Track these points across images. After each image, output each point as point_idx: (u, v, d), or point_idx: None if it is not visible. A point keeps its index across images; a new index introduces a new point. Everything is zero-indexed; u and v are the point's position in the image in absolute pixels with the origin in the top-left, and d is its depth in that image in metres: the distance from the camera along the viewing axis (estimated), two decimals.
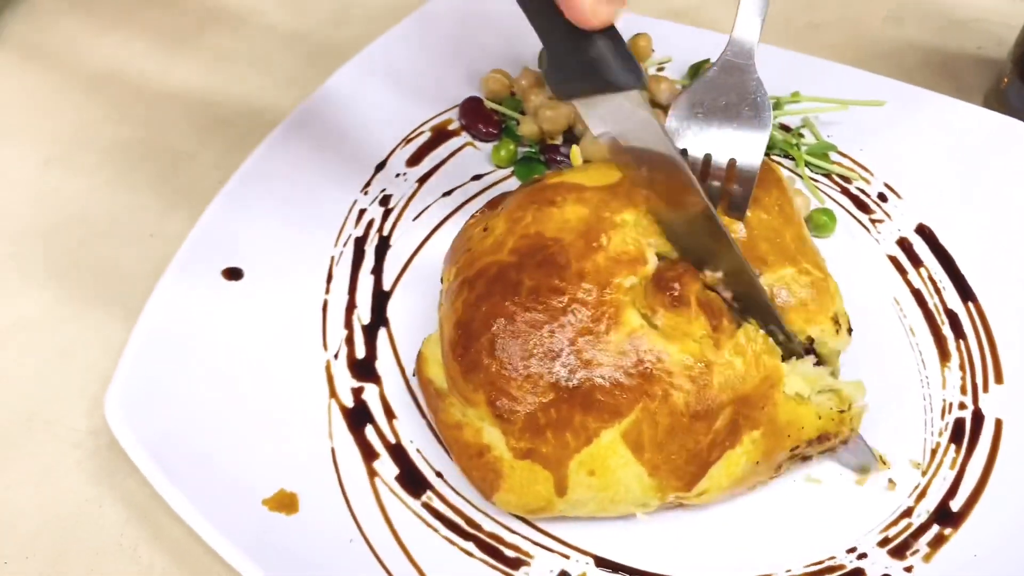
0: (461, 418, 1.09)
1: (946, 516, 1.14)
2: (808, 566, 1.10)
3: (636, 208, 1.12)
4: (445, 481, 1.15)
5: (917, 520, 1.14)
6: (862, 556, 1.11)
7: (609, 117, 1.06)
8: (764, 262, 1.12)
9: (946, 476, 1.18)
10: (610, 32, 0.98)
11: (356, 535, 1.08)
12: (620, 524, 1.11)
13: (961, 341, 1.32)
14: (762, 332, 1.09)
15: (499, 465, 1.06)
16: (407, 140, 1.55)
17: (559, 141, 1.53)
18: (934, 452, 1.21)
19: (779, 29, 1.88)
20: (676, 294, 1.06)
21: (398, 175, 1.50)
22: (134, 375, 1.15)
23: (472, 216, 1.26)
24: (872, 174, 1.54)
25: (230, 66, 1.80)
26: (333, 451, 1.16)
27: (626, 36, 1.65)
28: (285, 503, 1.09)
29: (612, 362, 1.04)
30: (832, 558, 1.11)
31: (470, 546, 1.10)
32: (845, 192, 1.52)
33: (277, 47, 1.85)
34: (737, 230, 1.14)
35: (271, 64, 1.80)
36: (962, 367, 1.29)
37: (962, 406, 1.25)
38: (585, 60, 0.99)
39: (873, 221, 1.48)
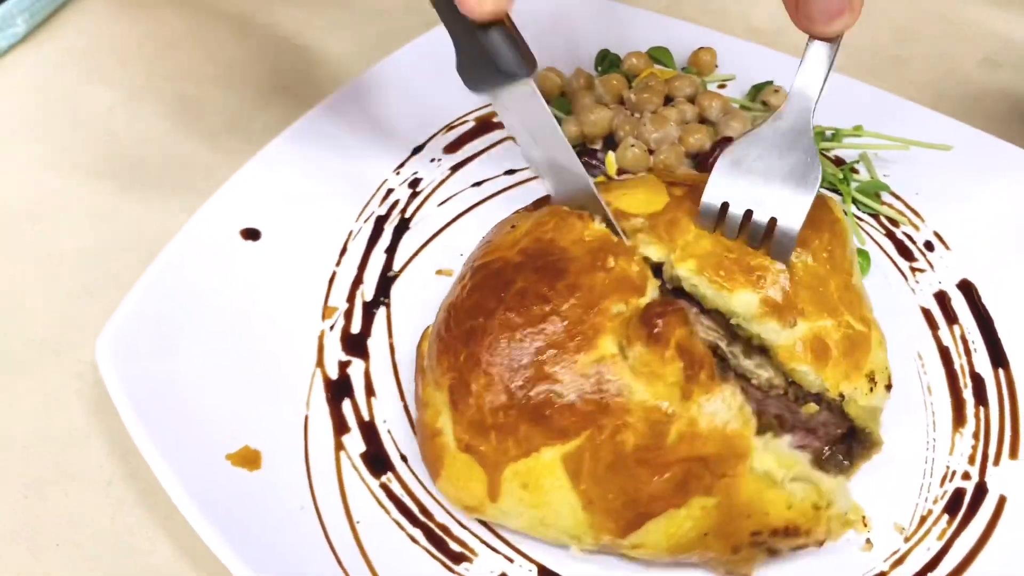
0: (429, 398, 1.11)
1: None
2: None
3: (665, 244, 1.11)
4: (408, 466, 1.15)
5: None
6: None
7: (512, 107, 1.16)
8: (801, 312, 1.07)
9: (931, 547, 1.11)
10: (503, 24, 1.08)
11: (308, 503, 1.09)
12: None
13: (982, 408, 1.24)
14: (740, 398, 1.02)
15: (443, 452, 1.07)
16: (449, 127, 1.56)
17: (598, 146, 1.51)
18: (923, 519, 1.14)
19: (862, 59, 1.80)
20: (656, 331, 1.01)
21: (433, 160, 1.51)
22: (132, 318, 1.19)
23: (515, 211, 1.27)
24: (924, 220, 1.46)
25: (303, 36, 1.84)
26: (307, 419, 1.18)
27: (691, 48, 1.62)
28: (248, 459, 1.11)
29: (573, 383, 1.01)
30: None
31: (417, 533, 1.09)
32: (890, 235, 1.45)
33: (351, 23, 1.88)
34: (778, 277, 1.08)
35: (343, 39, 1.84)
36: (976, 435, 1.21)
37: (966, 476, 1.17)
38: (480, 51, 1.10)
39: (913, 269, 1.40)
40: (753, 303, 1.07)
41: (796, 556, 1.09)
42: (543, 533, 1.05)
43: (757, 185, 1.10)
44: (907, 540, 1.12)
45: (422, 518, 1.11)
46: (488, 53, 1.09)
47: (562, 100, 1.58)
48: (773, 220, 1.08)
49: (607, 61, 1.63)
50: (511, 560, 1.08)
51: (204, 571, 1.09)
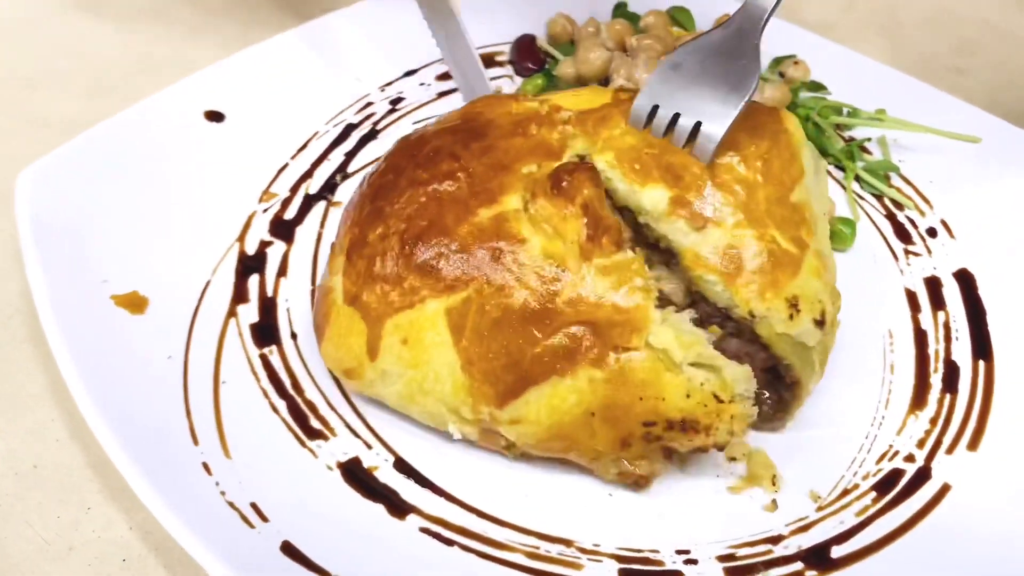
0: (330, 266, 1.07)
1: (818, 559, 0.93)
2: (622, 548, 0.93)
3: (589, 137, 1.04)
4: (296, 344, 1.10)
5: (780, 551, 0.94)
6: (691, 562, 0.92)
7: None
8: (715, 216, 0.97)
9: (844, 520, 0.97)
10: None
11: (179, 355, 1.05)
12: (438, 440, 1.00)
13: (948, 395, 1.09)
14: (645, 270, 0.94)
15: (331, 308, 1.01)
16: None
17: None
18: (846, 492, 1.00)
19: (920, 68, 1.67)
20: (563, 185, 0.95)
21: (422, 84, 1.48)
22: (63, 161, 1.18)
23: None
24: (932, 208, 1.32)
25: None
26: (208, 283, 1.13)
27: (715, 15, 1.54)
28: (133, 302, 1.08)
29: (467, 235, 0.95)
30: (655, 551, 0.93)
31: (281, 404, 1.03)
32: (890, 217, 1.31)
33: None
34: (696, 177, 0.99)
35: None
36: (933, 421, 1.07)
37: (909, 458, 1.03)
38: None
39: (907, 252, 1.26)
40: (663, 200, 0.98)
41: (689, 500, 0.97)
42: (421, 405, 0.97)
43: (690, 89, 1.02)
44: (819, 509, 0.98)
45: (291, 391, 1.04)
46: None
47: (569, 46, 1.52)
48: (698, 124, 1.00)
49: (621, 13, 1.57)
50: (369, 446, 1.00)
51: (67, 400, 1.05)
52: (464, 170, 1.00)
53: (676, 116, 1.02)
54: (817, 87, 1.46)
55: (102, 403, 0.95)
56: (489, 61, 1.53)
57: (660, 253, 1.01)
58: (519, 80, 1.50)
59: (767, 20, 1.03)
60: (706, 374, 0.91)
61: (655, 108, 1.03)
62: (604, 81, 1.43)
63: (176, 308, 1.09)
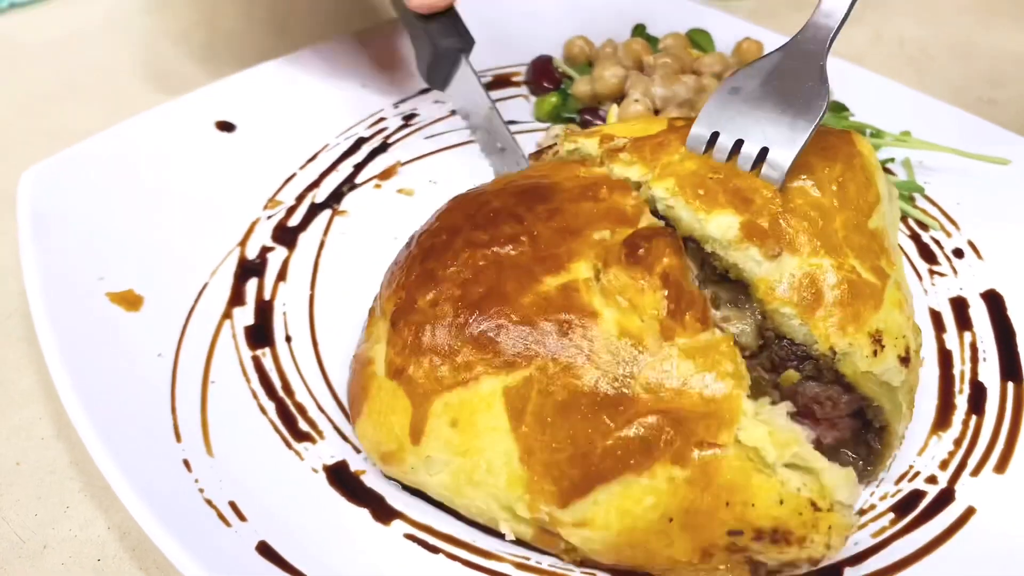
0: (371, 330, 0.97)
1: None
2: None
3: (647, 164, 0.96)
4: (290, 347, 1.06)
5: (790, 570, 0.87)
6: None
7: (457, 93, 1.35)
8: (790, 244, 0.87)
9: (859, 541, 0.90)
10: (448, 13, 1.26)
11: (169, 352, 1.02)
12: None
13: (974, 416, 1.02)
14: (736, 353, 0.82)
15: (370, 382, 0.91)
16: None
17: (607, 106, 1.42)
18: (861, 512, 0.93)
19: (947, 96, 1.63)
20: (640, 252, 0.85)
21: (437, 101, 1.46)
22: (69, 162, 1.18)
23: None
24: (958, 228, 1.27)
25: None
26: (205, 285, 1.11)
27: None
28: (128, 300, 1.06)
29: (530, 306, 0.84)
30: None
31: (270, 405, 1.00)
32: (914, 237, 1.26)
33: None
34: (766, 200, 0.90)
35: None
36: (958, 443, 1.00)
37: (931, 480, 0.96)
38: (425, 39, 1.26)
39: (932, 272, 1.21)
40: (732, 227, 0.88)
41: None
42: (470, 498, 0.85)
43: (752, 114, 0.94)
44: None
45: (281, 393, 1.01)
46: (429, 38, 1.25)
47: (586, 67, 1.51)
48: (765, 150, 0.92)
49: (639, 35, 1.55)
50: (358, 451, 0.96)
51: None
52: (528, 233, 0.89)
53: (739, 143, 0.94)
54: (839, 108, 1.42)
55: (83, 391, 0.93)
56: (505, 81, 1.52)
57: (728, 289, 0.91)
58: (533, 99, 1.48)
59: (833, 39, 0.97)
60: (803, 478, 0.79)
61: (715, 135, 0.95)
62: (619, 99, 1.41)
63: (171, 308, 1.07)
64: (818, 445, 0.93)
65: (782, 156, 0.91)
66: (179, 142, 1.27)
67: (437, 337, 0.87)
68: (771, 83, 0.97)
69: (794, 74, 0.97)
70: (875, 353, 0.86)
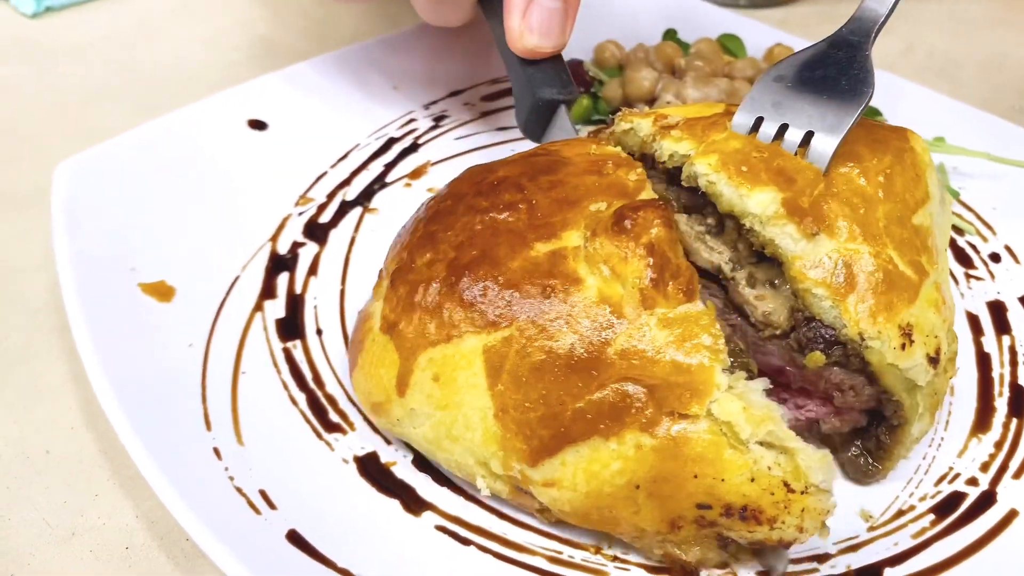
0: (375, 291, 0.98)
1: None
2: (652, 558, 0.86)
3: (696, 140, 0.94)
4: (320, 340, 1.06)
5: (827, 569, 0.86)
6: (729, 573, 0.85)
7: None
8: (829, 225, 0.86)
9: (899, 542, 0.88)
10: (553, 60, 1.17)
11: (200, 343, 1.02)
12: None
13: (1015, 419, 1.01)
14: (716, 327, 0.81)
15: (367, 335, 0.93)
16: (495, 80, 1.52)
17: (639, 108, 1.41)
18: (900, 513, 0.91)
19: (979, 105, 1.61)
20: (626, 222, 0.85)
21: (467, 104, 1.47)
22: (104, 157, 1.19)
23: None
24: (995, 233, 1.25)
25: None
26: (236, 279, 1.11)
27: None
28: (160, 291, 1.06)
29: (518, 270, 0.85)
30: (688, 563, 0.85)
31: (301, 397, 0.99)
32: (950, 242, 1.24)
33: None
34: (809, 180, 0.89)
35: None
36: (998, 445, 0.98)
37: (972, 482, 0.94)
38: (527, 86, 1.16)
39: (968, 276, 1.19)
40: (772, 203, 0.86)
41: None
42: (448, 452, 0.87)
43: (796, 101, 0.93)
44: (871, 530, 0.89)
45: (312, 385, 1.01)
46: (529, 85, 1.15)
47: (616, 71, 1.50)
48: (809, 135, 0.91)
49: (670, 39, 1.55)
50: (388, 442, 0.95)
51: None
52: (527, 201, 0.90)
53: (783, 127, 0.93)
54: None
55: (114, 379, 0.93)
56: None
57: (764, 269, 0.90)
58: None
59: (879, 31, 0.97)
60: (777, 457, 0.78)
61: (759, 120, 0.94)
62: (650, 102, 1.41)
63: (202, 299, 1.07)
64: (828, 434, 0.94)
65: (826, 141, 0.90)
66: (212, 139, 1.28)
67: (428, 295, 0.88)
68: (816, 71, 0.96)
69: (839, 64, 0.96)
70: (903, 347, 0.85)
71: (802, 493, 0.78)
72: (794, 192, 0.87)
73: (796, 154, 0.91)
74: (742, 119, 0.94)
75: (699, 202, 0.94)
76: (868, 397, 0.88)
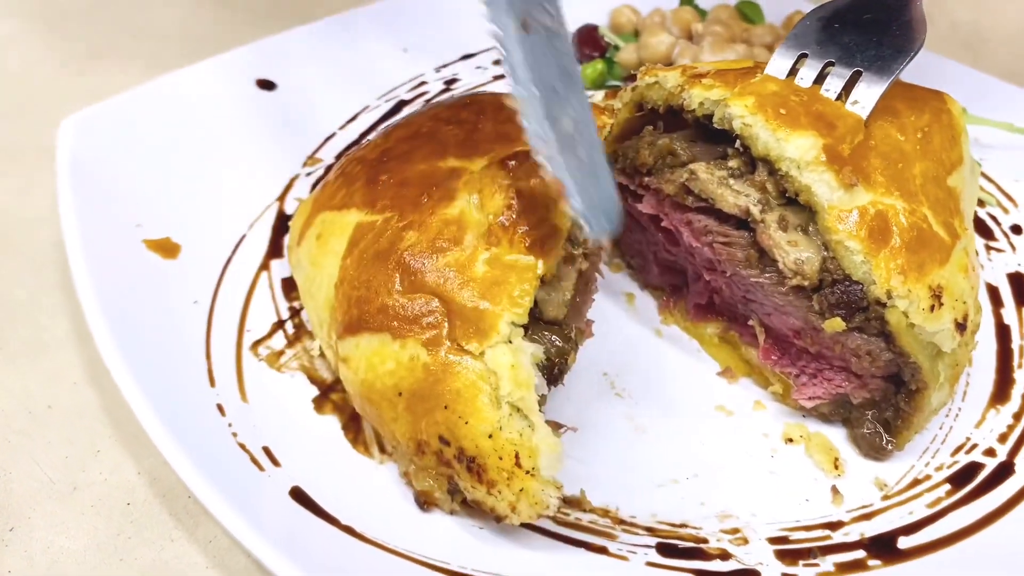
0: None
1: (884, 549, 0.83)
2: (662, 522, 0.85)
3: (729, 87, 0.91)
4: None
5: (840, 537, 0.84)
6: (739, 541, 0.83)
7: None
8: (867, 177, 0.84)
9: (914, 511, 0.87)
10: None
11: (205, 300, 1.01)
12: None
13: None
14: (534, 288, 0.81)
15: (306, 200, 1.06)
16: None
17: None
18: (916, 482, 0.89)
19: (1002, 76, 1.58)
20: (510, 164, 0.87)
21: (479, 67, 1.44)
22: (110, 113, 1.16)
23: None
24: (1016, 205, 1.23)
25: None
26: (243, 237, 1.10)
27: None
28: (166, 248, 1.05)
29: (419, 172, 0.91)
30: (698, 528, 0.84)
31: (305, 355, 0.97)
32: None
33: None
34: (850, 127, 0.86)
35: None
36: (1017, 416, 0.96)
37: (990, 452, 0.92)
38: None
39: (989, 248, 1.17)
40: (813, 148, 0.84)
41: (740, 480, 0.89)
42: (309, 306, 0.94)
43: (842, 41, 0.90)
44: (886, 498, 0.88)
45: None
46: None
47: (631, 36, 1.48)
48: (857, 73, 0.88)
49: (688, 4, 1.52)
50: None
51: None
52: (474, 124, 0.94)
53: (827, 66, 0.90)
54: None
55: (118, 333, 0.91)
56: None
57: (797, 213, 0.86)
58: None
59: None
60: (522, 428, 0.77)
61: (800, 59, 0.91)
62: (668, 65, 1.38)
63: (208, 257, 1.06)
64: (844, 404, 0.92)
65: (872, 86, 0.88)
66: (220, 98, 1.26)
67: (352, 169, 0.97)
68: (865, 14, 0.93)
69: (888, 8, 0.93)
70: (932, 308, 0.82)
71: (527, 473, 0.76)
72: (834, 139, 0.84)
73: (837, 99, 0.88)
74: (782, 58, 0.92)
75: (721, 154, 0.91)
76: (885, 363, 0.86)
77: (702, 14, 1.49)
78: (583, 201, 0.73)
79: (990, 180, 1.27)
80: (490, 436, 0.77)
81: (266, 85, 1.31)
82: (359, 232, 0.89)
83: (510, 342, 0.78)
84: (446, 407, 0.78)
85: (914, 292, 0.81)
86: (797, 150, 0.84)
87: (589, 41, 1.47)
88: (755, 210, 0.87)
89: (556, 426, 0.83)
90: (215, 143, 1.20)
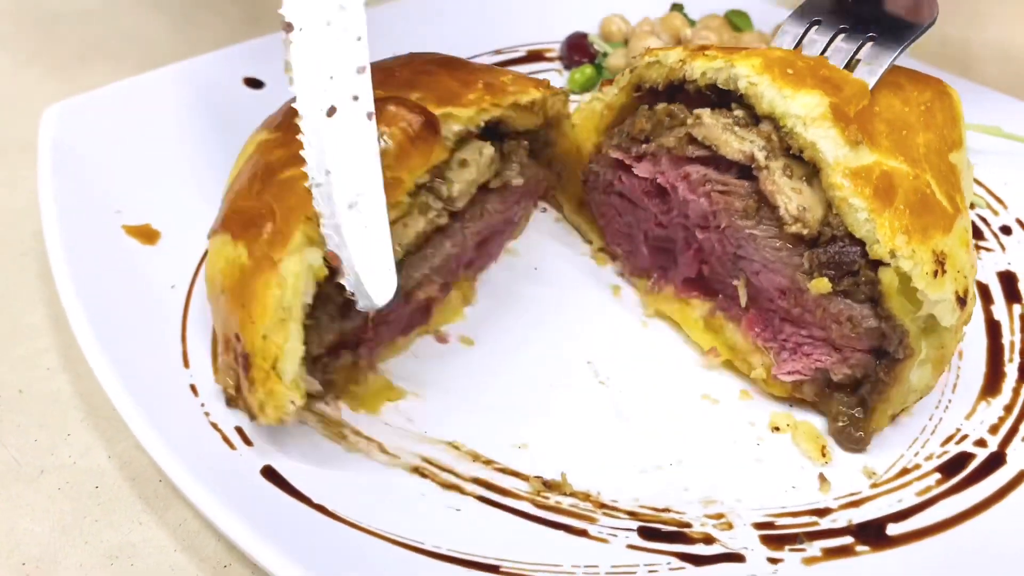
0: None
1: (872, 535, 0.81)
2: (644, 507, 0.82)
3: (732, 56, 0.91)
4: None
5: (828, 523, 0.82)
6: (724, 526, 0.81)
7: None
8: (871, 137, 0.83)
9: (903, 499, 0.85)
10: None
11: (183, 285, 0.99)
12: (446, 384, 0.92)
13: None
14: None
15: None
16: (498, 51, 1.49)
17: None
18: (905, 471, 0.87)
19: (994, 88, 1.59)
20: (390, 108, 0.87)
21: None
22: (92, 104, 1.16)
23: None
24: (1006, 207, 1.22)
25: None
26: None
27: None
28: (145, 234, 1.03)
29: None
30: (681, 513, 0.82)
31: None
32: None
33: None
34: (856, 90, 0.87)
35: None
36: (1008, 408, 0.95)
37: (980, 443, 0.91)
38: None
39: (979, 247, 1.16)
40: (818, 105, 0.83)
41: (726, 466, 0.86)
42: None
43: (853, 14, 0.93)
44: (874, 486, 0.86)
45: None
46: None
47: (622, 45, 1.48)
48: (864, 43, 0.90)
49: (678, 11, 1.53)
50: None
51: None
52: (430, 74, 0.97)
53: (836, 34, 0.92)
54: None
55: (92, 314, 0.90)
56: (538, 56, 1.49)
57: (799, 164, 0.85)
58: (566, 73, 1.46)
59: None
60: (287, 337, 0.78)
61: (810, 26, 0.93)
62: None
63: (187, 244, 1.04)
64: (825, 384, 0.90)
65: (879, 56, 0.89)
66: (206, 94, 1.25)
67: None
68: None
69: None
70: (935, 274, 0.80)
71: (278, 376, 0.78)
72: (841, 99, 0.85)
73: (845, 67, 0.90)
74: (793, 24, 0.94)
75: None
76: (866, 331, 0.84)
77: (691, 22, 1.49)
78: (355, 277, 0.75)
79: (980, 184, 1.26)
80: (264, 337, 0.78)
81: (254, 83, 1.31)
82: (259, 148, 0.93)
83: (307, 251, 0.80)
84: (243, 306, 0.80)
85: (918, 254, 0.80)
86: (803, 107, 0.84)
87: (579, 48, 1.47)
88: (760, 155, 0.86)
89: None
90: (200, 136, 1.19)
